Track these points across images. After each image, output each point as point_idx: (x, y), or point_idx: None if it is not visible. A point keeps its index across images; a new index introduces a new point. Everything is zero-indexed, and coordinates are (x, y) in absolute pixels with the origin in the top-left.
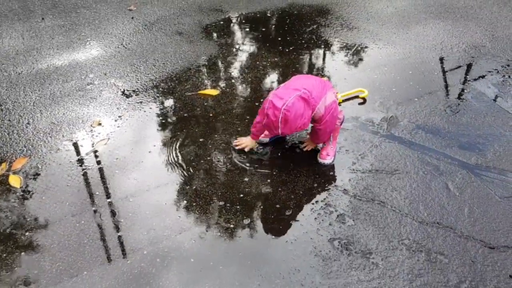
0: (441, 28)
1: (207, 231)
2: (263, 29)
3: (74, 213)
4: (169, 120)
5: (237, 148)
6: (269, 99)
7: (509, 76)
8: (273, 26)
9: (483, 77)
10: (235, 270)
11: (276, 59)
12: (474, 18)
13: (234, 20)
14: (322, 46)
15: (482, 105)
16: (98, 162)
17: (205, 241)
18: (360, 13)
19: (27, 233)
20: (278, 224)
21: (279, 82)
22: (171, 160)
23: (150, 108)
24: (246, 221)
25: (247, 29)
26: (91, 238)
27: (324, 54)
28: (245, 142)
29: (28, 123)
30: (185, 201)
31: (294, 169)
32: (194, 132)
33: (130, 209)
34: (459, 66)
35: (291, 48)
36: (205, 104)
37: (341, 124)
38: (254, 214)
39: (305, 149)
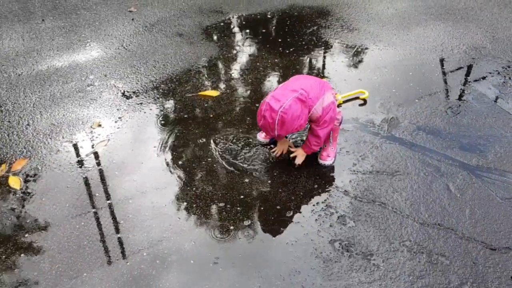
0: (441, 30)
1: (207, 232)
2: (264, 31)
3: (74, 215)
4: (169, 121)
5: (279, 155)
6: (266, 101)
7: (510, 78)
8: (274, 28)
9: (483, 78)
10: (235, 272)
11: (276, 60)
12: (474, 20)
13: (234, 22)
14: (323, 48)
15: (483, 106)
16: (98, 164)
17: (205, 243)
18: (360, 14)
19: (26, 235)
20: (278, 226)
21: (279, 83)
22: (171, 161)
23: (150, 109)
24: (246, 223)
25: (248, 31)
26: (91, 239)
27: (325, 56)
28: (280, 147)
29: (28, 125)
30: (185, 203)
31: (294, 170)
32: (194, 133)
33: (130, 210)
34: (460, 68)
35: (291, 50)
36: (206, 105)
37: (340, 125)
38: (254, 215)
39: (295, 163)
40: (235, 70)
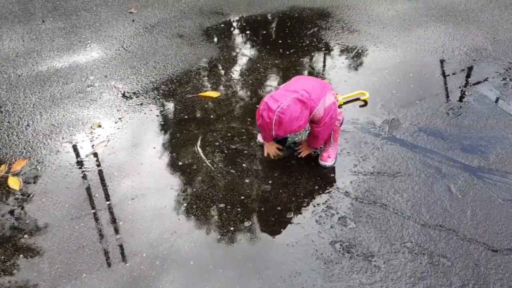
0: (442, 31)
1: (207, 233)
2: (264, 32)
3: (74, 216)
4: (169, 122)
5: (271, 156)
6: (265, 101)
7: (511, 79)
8: (274, 29)
9: (484, 80)
10: (235, 273)
11: (276, 61)
12: (475, 21)
13: (234, 23)
14: (323, 49)
15: (484, 108)
16: (98, 164)
17: (205, 244)
18: (361, 16)
19: (26, 235)
20: (279, 227)
21: (280, 84)
22: (171, 162)
23: (151, 110)
24: (247, 224)
25: (248, 32)
26: (91, 240)
27: (325, 57)
28: (268, 149)
29: (27, 125)
30: (185, 204)
31: (295, 171)
32: (194, 134)
33: (129, 211)
34: (461, 69)
35: (291, 51)
36: (206, 106)
37: (340, 125)
38: (254, 216)
39: (300, 155)
40: (236, 71)
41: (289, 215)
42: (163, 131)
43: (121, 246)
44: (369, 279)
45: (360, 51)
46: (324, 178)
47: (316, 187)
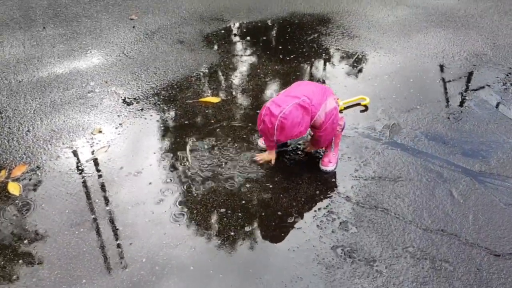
0: (442, 37)
1: (207, 238)
2: (264, 38)
3: (74, 221)
4: (170, 127)
5: (260, 162)
6: (267, 106)
7: (511, 84)
8: (274, 35)
9: (485, 85)
10: (236, 279)
11: (277, 67)
12: (475, 27)
13: (235, 29)
14: (323, 55)
15: (484, 113)
16: (98, 170)
17: (205, 249)
18: (361, 22)
19: (25, 241)
20: (280, 232)
21: (280, 90)
22: (172, 167)
23: (151, 115)
24: (247, 229)
25: (248, 38)
26: (90, 246)
27: (325, 62)
28: (266, 156)
29: (28, 131)
30: (185, 209)
31: (296, 176)
32: (195, 139)
33: (129, 217)
34: (461, 74)
35: (292, 57)
36: (206, 111)
37: (342, 130)
38: (255, 221)
39: (305, 150)
40: (236, 77)
41: (290, 220)
42: (163, 137)
43: (121, 252)
44: (371, 284)
45: (360, 56)
46: (325, 183)
47: (317, 192)
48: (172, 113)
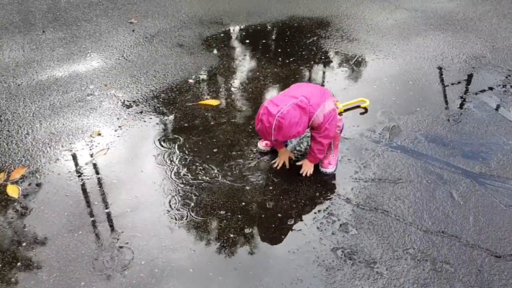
0: (441, 40)
1: (206, 241)
2: (263, 41)
3: (72, 224)
4: (169, 130)
5: (279, 167)
6: (264, 105)
7: (511, 86)
8: (273, 38)
9: (484, 87)
10: (236, 281)
11: (276, 70)
12: (474, 30)
13: (234, 33)
14: (323, 57)
15: (484, 115)
16: (97, 172)
17: (204, 251)
18: (360, 25)
19: (24, 243)
20: (279, 234)
21: (279, 92)
22: (171, 170)
23: (150, 118)
24: (247, 231)
25: (248, 41)
26: (89, 248)
27: (325, 65)
28: (280, 158)
29: (27, 134)
30: (185, 211)
31: (295, 178)
32: (194, 141)
33: (128, 219)
34: (460, 77)
35: (291, 59)
36: (206, 114)
37: (341, 132)
38: (255, 223)
39: (307, 175)
40: (235, 80)
41: (290, 222)
42: (163, 139)
43: (120, 254)
44: (371, 286)
45: (359, 59)
46: (325, 185)
47: (317, 194)
48: (172, 116)
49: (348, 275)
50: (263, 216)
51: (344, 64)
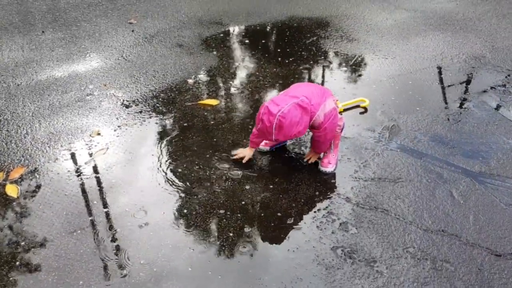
0: (440, 40)
1: (206, 240)
2: (263, 41)
3: (72, 223)
4: (168, 129)
5: (234, 158)
6: (265, 105)
7: (510, 86)
8: (273, 38)
9: (484, 86)
10: (235, 280)
11: (275, 69)
12: (473, 30)
13: (234, 33)
14: (322, 57)
15: (484, 114)
16: (96, 172)
17: (203, 250)
18: (359, 25)
19: (23, 243)
20: (279, 233)
21: (279, 92)
22: (171, 169)
23: (150, 118)
24: (247, 230)
25: (247, 41)
26: (88, 248)
27: (324, 65)
28: (243, 152)
29: (26, 133)
30: (184, 210)
31: (295, 177)
32: (194, 141)
33: (128, 218)
34: (460, 76)
35: (290, 59)
36: (205, 113)
37: (341, 131)
38: (254, 222)
39: (309, 162)
40: (235, 80)
41: (290, 221)
42: (162, 138)
43: (119, 254)
44: (371, 284)
45: (359, 59)
46: (325, 184)
47: (317, 193)
48: (171, 116)
49: (348, 274)
50: (262, 215)
51: (344, 64)
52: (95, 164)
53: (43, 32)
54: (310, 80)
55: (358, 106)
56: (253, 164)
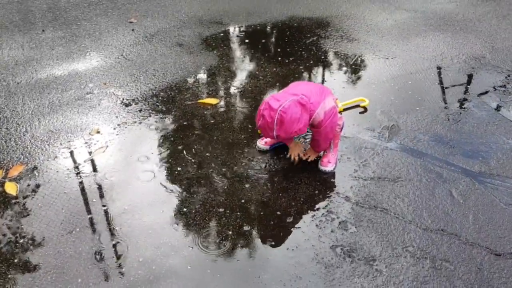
0: (440, 40)
1: (205, 238)
2: (263, 41)
3: (70, 221)
4: (168, 128)
5: (296, 159)
6: (266, 101)
7: (510, 86)
8: (273, 38)
9: (484, 87)
10: (234, 278)
11: (275, 69)
12: (473, 31)
13: (234, 32)
14: (322, 57)
15: (484, 114)
16: (96, 170)
17: (203, 248)
18: (360, 25)
19: (21, 240)
20: (278, 231)
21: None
22: (170, 167)
23: (150, 116)
24: (246, 228)
25: (247, 41)
26: (87, 245)
27: (324, 65)
28: (294, 152)
29: (25, 131)
30: (183, 208)
31: (295, 176)
32: (194, 140)
33: (127, 216)
34: (460, 76)
35: (291, 59)
36: (205, 112)
37: (341, 130)
38: (254, 221)
39: (308, 160)
40: (235, 79)
41: (289, 219)
42: (162, 137)
43: (118, 251)
44: (371, 283)
45: (359, 59)
46: (324, 183)
47: (316, 192)
48: (171, 114)
49: (347, 273)
50: (262, 213)
51: (344, 64)
52: (94, 162)
53: (43, 30)
54: (310, 80)
55: (358, 106)
56: (252, 163)
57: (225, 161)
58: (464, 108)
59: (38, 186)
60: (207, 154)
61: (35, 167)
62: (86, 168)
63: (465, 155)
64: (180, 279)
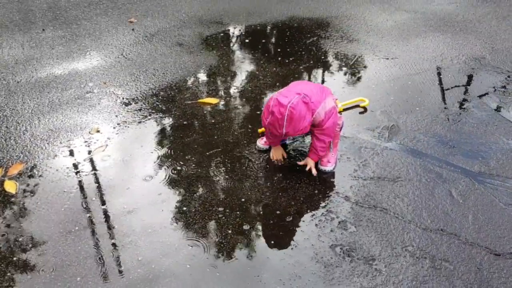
0: (440, 41)
1: (205, 237)
2: (263, 41)
3: (70, 219)
4: (168, 127)
5: (275, 160)
6: (274, 97)
7: (510, 87)
8: (273, 38)
9: (484, 87)
10: (234, 277)
11: (275, 69)
12: (473, 32)
13: (234, 32)
14: (322, 57)
15: (483, 115)
16: (95, 169)
17: (202, 247)
18: (360, 26)
19: (20, 239)
20: (278, 230)
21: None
22: (170, 166)
23: (149, 116)
24: (246, 227)
25: (247, 41)
26: (86, 244)
27: (324, 65)
28: (276, 154)
29: (25, 130)
30: (183, 207)
31: (294, 176)
32: (193, 139)
33: (126, 215)
34: (460, 77)
35: (291, 59)
36: (205, 112)
37: (340, 130)
38: (253, 220)
39: (307, 169)
40: (235, 79)
41: (289, 219)
42: (161, 136)
43: (117, 250)
44: (370, 282)
45: (359, 59)
46: (324, 183)
47: (316, 192)
48: (171, 114)
49: (346, 272)
50: (261, 213)
51: (344, 64)
52: (94, 161)
53: (43, 30)
54: (310, 80)
55: (357, 106)
56: (252, 163)
57: (224, 160)
58: (464, 108)
59: (37, 184)
60: (207, 153)
61: (35, 166)
62: (86, 167)
63: (464, 155)
64: (179, 278)
